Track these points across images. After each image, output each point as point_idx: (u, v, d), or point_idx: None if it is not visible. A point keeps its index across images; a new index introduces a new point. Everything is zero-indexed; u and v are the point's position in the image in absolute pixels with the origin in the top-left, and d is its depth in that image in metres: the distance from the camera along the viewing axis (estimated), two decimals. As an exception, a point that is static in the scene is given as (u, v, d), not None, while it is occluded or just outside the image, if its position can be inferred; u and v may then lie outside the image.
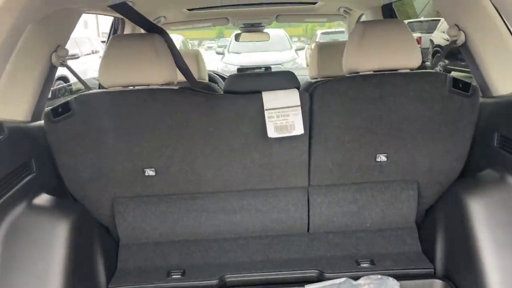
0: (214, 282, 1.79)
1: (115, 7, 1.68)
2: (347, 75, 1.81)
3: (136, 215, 1.91)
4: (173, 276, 1.82)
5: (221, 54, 11.06)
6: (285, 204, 1.92)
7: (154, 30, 1.78)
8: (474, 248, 1.51)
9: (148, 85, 1.72)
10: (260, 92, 1.71)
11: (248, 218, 1.93)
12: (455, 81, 1.70)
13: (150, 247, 1.95)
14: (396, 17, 2.97)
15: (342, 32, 14.35)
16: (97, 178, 1.81)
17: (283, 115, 1.68)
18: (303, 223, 1.95)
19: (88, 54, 11.27)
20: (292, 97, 1.69)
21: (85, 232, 1.71)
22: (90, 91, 1.73)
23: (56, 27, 1.75)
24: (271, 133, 1.67)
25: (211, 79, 3.60)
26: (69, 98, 1.71)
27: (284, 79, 1.73)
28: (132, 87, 1.75)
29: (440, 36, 10.48)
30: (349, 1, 3.08)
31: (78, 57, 10.49)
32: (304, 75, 4.12)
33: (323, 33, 15.79)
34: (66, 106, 1.70)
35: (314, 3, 3.19)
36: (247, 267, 1.86)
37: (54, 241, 1.53)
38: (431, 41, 11.44)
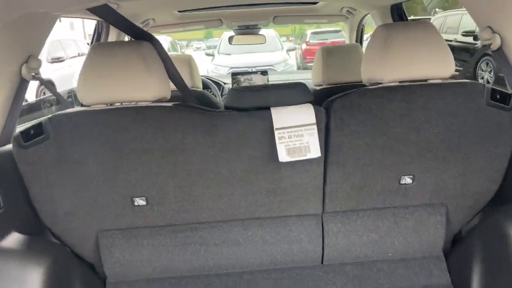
0: None
1: (95, 11, 1.43)
2: (369, 86, 1.58)
3: (125, 250, 1.66)
4: None
5: (211, 56, 10.79)
6: (297, 234, 1.68)
7: (143, 37, 1.53)
8: None
9: (136, 102, 1.46)
10: (268, 108, 1.46)
11: (254, 251, 1.69)
12: (493, 92, 1.47)
13: (142, 285, 1.69)
14: (406, 17, 2.75)
15: (332, 31, 14.24)
16: (78, 210, 1.56)
17: (296, 135, 1.43)
18: (316, 254, 1.71)
19: (74, 57, 10.93)
20: (306, 113, 1.44)
21: (65, 275, 1.46)
22: (67, 110, 1.47)
23: (27, 34, 1.48)
24: (283, 156, 1.43)
25: (204, 85, 3.34)
26: (41, 119, 1.44)
27: (296, 92, 1.48)
28: (117, 105, 1.49)
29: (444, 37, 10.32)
30: (354, 0, 2.85)
31: (63, 60, 10.17)
32: (302, 79, 3.90)
33: (313, 33, 15.59)
34: (38, 128, 1.44)
35: (315, 3, 2.96)
36: None
37: None
38: None
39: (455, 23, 10.10)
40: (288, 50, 11.03)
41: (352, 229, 1.69)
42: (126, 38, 2.72)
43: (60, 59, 10.09)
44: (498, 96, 1.47)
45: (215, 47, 11.54)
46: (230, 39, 3.75)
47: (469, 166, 1.57)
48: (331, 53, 2.51)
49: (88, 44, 11.98)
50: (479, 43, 9.15)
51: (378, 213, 1.68)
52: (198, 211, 1.60)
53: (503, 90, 1.48)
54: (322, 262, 1.74)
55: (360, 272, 1.71)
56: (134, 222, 1.61)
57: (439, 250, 1.73)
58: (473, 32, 9.46)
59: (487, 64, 8.96)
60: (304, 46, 15.12)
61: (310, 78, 3.50)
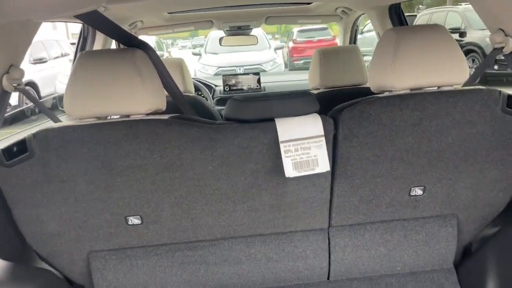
0: None
1: (82, 17, 1.31)
2: (377, 94, 1.49)
3: (118, 272, 1.54)
4: None
5: (197, 55, 10.63)
6: (302, 249, 1.59)
7: (135, 44, 1.41)
8: None
9: (129, 115, 1.35)
10: (272, 120, 1.36)
11: (257, 269, 1.59)
12: (510, 98, 1.40)
13: None
14: (405, 18, 2.67)
15: (319, 29, 14.18)
16: (67, 231, 1.44)
17: (303, 147, 1.34)
18: (323, 270, 1.62)
19: (57, 57, 10.68)
20: (313, 124, 1.35)
21: None
22: (53, 125, 1.35)
23: (7, 43, 1.35)
24: (289, 172, 1.33)
25: (195, 88, 3.22)
26: (25, 136, 1.32)
27: (302, 102, 1.38)
28: (108, 119, 1.38)
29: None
30: (350, 0, 2.76)
31: (46, 61, 9.91)
32: (296, 81, 3.81)
33: (299, 31, 15.51)
34: (22, 145, 1.32)
35: (309, 3, 2.86)
36: None
37: None
38: None
39: (441, 20, 10.13)
40: (275, 49, 10.93)
41: (359, 243, 1.60)
42: (114, 43, 2.59)
43: (43, 60, 9.83)
44: None
45: (201, 45, 11.39)
46: (220, 40, 3.64)
47: (482, 176, 1.50)
48: (328, 55, 2.42)
49: (71, 44, 11.75)
50: (465, 40, 9.22)
51: (387, 226, 1.59)
52: (197, 228, 1.50)
53: None
54: (328, 278, 1.65)
55: None
56: (128, 242, 1.50)
57: (450, 262, 1.65)
58: (459, 29, 9.52)
59: (473, 61, 9.02)
60: (291, 44, 15.04)
61: (303, 79, 3.42)
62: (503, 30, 1.52)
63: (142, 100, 1.31)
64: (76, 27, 2.45)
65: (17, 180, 1.34)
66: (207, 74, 8.74)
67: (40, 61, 9.59)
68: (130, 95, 1.30)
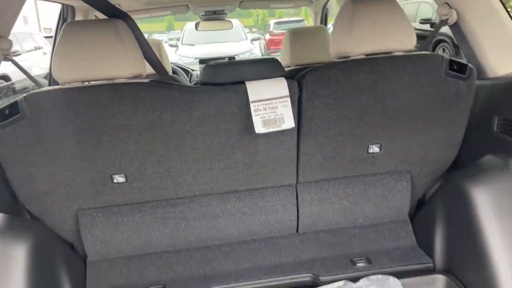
0: None
1: None
2: (337, 60, 1.66)
3: (105, 228, 1.68)
4: None
5: (174, 47, 10.66)
6: (273, 204, 1.75)
7: (117, 15, 1.54)
8: (480, 240, 1.42)
9: (112, 79, 1.49)
10: (243, 83, 1.52)
11: (233, 223, 1.75)
12: (451, 63, 1.59)
13: (123, 262, 1.72)
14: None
15: (296, 21, 14.37)
16: (57, 189, 1.56)
17: (271, 107, 1.50)
18: (292, 223, 1.79)
19: (30, 51, 10.55)
20: (279, 86, 1.51)
21: (46, 253, 1.47)
22: (43, 89, 1.47)
23: None
24: (259, 128, 1.49)
25: (173, 71, 3.35)
26: (17, 98, 1.44)
27: (269, 67, 1.54)
28: (93, 82, 1.51)
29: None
30: None
31: (20, 54, 9.79)
32: None
33: (276, 23, 15.68)
34: (14, 108, 1.43)
35: None
36: (234, 276, 1.68)
37: (10, 267, 1.31)
38: None
39: (413, 12, 10.45)
40: (252, 40, 11.06)
41: (324, 198, 1.77)
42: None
43: (16, 53, 9.72)
44: (455, 67, 1.59)
45: (178, 39, 11.41)
46: (197, 25, 3.76)
47: (431, 134, 1.68)
48: (298, 35, 2.59)
49: (45, 37, 11.60)
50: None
51: (348, 182, 1.77)
52: (177, 186, 1.64)
53: (459, 60, 1.60)
54: (297, 231, 1.82)
55: (333, 239, 1.81)
56: (113, 200, 1.63)
57: (405, 214, 1.84)
58: (430, 20, 9.83)
59: (443, 50, 9.35)
60: (268, 36, 15.20)
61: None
62: (448, 4, 1.71)
63: (125, 65, 1.44)
64: (48, 22, 2.54)
65: (10, 140, 1.45)
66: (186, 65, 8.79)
67: (14, 54, 9.47)
68: (113, 60, 1.43)
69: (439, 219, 1.68)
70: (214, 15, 3.55)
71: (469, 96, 1.61)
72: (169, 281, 1.68)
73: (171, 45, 11.43)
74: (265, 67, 1.54)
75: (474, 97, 1.61)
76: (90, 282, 1.68)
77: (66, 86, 1.47)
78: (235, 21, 10.76)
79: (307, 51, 2.58)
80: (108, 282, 1.68)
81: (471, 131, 1.69)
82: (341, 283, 1.59)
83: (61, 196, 1.58)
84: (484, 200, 1.44)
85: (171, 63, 3.42)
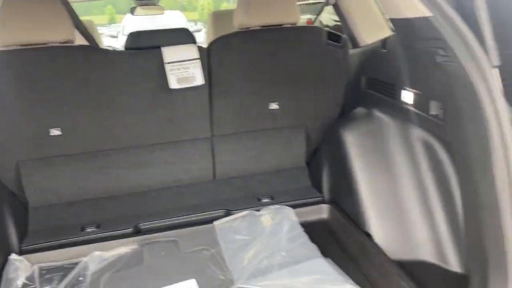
0: (129, 230, 1.90)
1: None
2: (239, 30, 2.01)
3: (44, 177, 1.93)
4: (87, 230, 1.90)
5: (115, 37, 10.65)
6: (192, 154, 2.09)
7: None
8: (351, 174, 1.82)
9: (46, 43, 1.74)
10: (159, 47, 1.84)
11: (158, 171, 2.06)
12: (330, 34, 1.99)
13: (62, 207, 1.98)
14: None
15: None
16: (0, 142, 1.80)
17: (184, 67, 1.83)
18: (209, 171, 2.14)
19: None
20: (190, 50, 1.85)
21: None
22: None
23: None
24: (174, 84, 1.82)
25: None
26: None
27: (182, 35, 1.88)
28: (30, 46, 1.76)
29: (328, 17, 11.30)
30: None
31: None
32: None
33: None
34: None
35: None
36: (160, 215, 1.99)
37: None
38: (320, 22, 12.26)
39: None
40: (194, 31, 11.23)
41: (236, 148, 2.13)
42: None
43: None
44: (333, 38, 2.00)
45: (119, 32, 11.40)
46: (132, 10, 4.00)
47: (319, 94, 2.09)
48: (219, 16, 2.93)
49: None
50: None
51: (255, 135, 2.14)
52: (108, 139, 1.93)
53: (336, 32, 2.01)
54: (214, 177, 2.17)
55: (244, 183, 2.17)
56: (51, 151, 1.89)
57: (303, 162, 2.25)
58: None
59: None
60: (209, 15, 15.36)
61: None
62: None
63: (57, 30, 1.71)
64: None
65: None
66: None
67: None
68: (47, 26, 1.69)
69: (326, 162, 2.09)
70: (147, 0, 3.82)
71: (345, 61, 2.03)
72: (103, 221, 1.97)
73: (112, 36, 11.40)
74: (178, 35, 1.87)
75: (348, 62, 2.03)
76: (33, 225, 1.93)
77: (5, 49, 1.71)
78: (177, 12, 10.92)
79: (228, 30, 2.92)
80: (48, 224, 1.94)
81: (349, 90, 2.11)
82: (246, 212, 1.96)
83: (2, 149, 1.81)
84: (353, 142, 1.84)
85: (107, 46, 3.63)
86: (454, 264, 1.48)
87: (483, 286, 1.21)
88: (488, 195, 1.14)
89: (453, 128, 1.32)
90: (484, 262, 1.21)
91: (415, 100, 1.58)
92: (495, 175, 1.10)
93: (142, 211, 2.02)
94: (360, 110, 1.98)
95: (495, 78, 1.08)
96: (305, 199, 2.10)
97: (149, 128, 1.96)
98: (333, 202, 2.03)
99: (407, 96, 1.61)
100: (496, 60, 1.11)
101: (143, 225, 1.93)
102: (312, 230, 1.89)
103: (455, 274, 1.46)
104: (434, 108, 1.43)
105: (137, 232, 1.91)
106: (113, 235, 1.88)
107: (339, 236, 1.88)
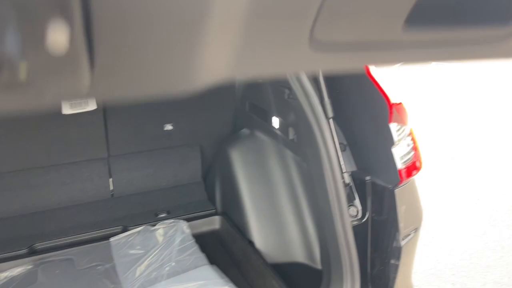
0: (24, 250, 1.94)
1: None
2: None
3: None
4: None
5: None
6: (89, 174, 2.17)
7: None
8: (236, 185, 2.04)
9: None
10: None
11: (53, 191, 2.12)
12: None
13: None
14: None
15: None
16: None
17: None
18: (107, 189, 2.24)
19: None
20: None
21: None
22: None
23: None
24: (66, 110, 1.91)
25: None
26: None
27: None
28: None
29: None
30: None
31: None
32: None
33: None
34: None
35: None
36: (56, 234, 2.05)
37: None
38: None
39: None
40: None
41: (133, 167, 2.26)
42: None
43: None
44: None
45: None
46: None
47: (211, 115, 2.29)
48: None
49: None
50: None
51: (151, 154, 2.29)
52: (2, 160, 1.96)
53: None
54: (112, 196, 2.27)
55: (142, 200, 2.30)
56: None
57: (199, 177, 2.43)
58: None
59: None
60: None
61: None
62: None
63: None
64: None
65: None
66: None
67: None
68: None
69: (218, 177, 2.29)
70: None
71: (233, 86, 2.25)
72: None
73: None
74: None
75: (236, 88, 2.26)
76: None
77: None
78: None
79: None
80: None
81: (237, 112, 2.34)
82: (141, 227, 2.09)
83: None
84: (238, 158, 2.07)
85: None
86: (318, 262, 1.75)
87: (327, 279, 1.47)
88: (324, 202, 1.42)
89: (302, 150, 1.60)
90: (326, 257, 1.48)
91: (280, 126, 1.84)
92: (327, 186, 1.38)
93: (37, 232, 2.06)
94: (245, 131, 2.21)
95: (321, 112, 1.36)
96: (199, 212, 2.28)
97: (42, 150, 2.02)
98: (224, 213, 2.23)
99: (275, 122, 1.87)
100: (325, 96, 1.40)
101: (39, 245, 1.98)
102: (204, 240, 2.07)
103: (318, 271, 1.72)
104: (291, 133, 1.70)
105: (33, 252, 1.96)
106: (6, 256, 1.90)
107: (227, 245, 2.08)
